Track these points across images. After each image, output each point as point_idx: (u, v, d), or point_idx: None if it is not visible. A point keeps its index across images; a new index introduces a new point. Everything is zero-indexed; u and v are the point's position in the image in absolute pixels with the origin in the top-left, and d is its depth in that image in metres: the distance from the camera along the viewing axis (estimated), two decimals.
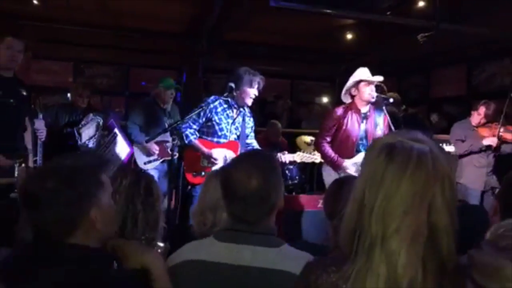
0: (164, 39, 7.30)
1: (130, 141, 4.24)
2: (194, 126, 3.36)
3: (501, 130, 4.17)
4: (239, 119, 3.49)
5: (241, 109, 3.48)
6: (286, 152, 3.47)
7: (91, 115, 4.40)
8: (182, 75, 7.30)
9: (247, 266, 1.21)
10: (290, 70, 8.54)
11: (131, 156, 4.17)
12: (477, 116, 4.38)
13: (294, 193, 5.16)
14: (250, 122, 3.59)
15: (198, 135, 3.42)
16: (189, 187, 3.46)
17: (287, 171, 5.21)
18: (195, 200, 3.19)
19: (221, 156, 3.37)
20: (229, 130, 3.42)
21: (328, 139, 3.61)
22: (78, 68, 7.70)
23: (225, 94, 3.38)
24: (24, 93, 3.23)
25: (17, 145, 3.12)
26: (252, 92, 3.36)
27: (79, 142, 4.26)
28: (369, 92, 3.49)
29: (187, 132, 3.35)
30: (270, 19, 6.13)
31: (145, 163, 4.26)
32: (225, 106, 3.40)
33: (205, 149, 3.35)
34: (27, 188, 1.15)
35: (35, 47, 7.02)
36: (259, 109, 7.44)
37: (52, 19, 6.50)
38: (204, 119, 3.36)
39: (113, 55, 7.62)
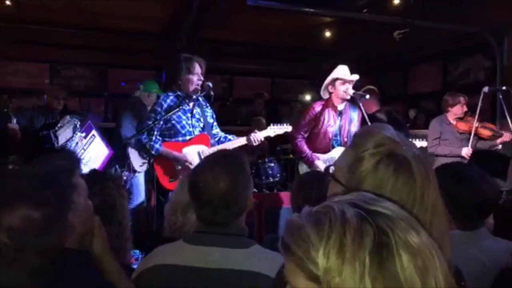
0: (142, 39, 7.24)
1: (122, 143, 4.22)
2: (155, 133, 3.10)
3: (478, 125, 4.26)
4: (197, 109, 3.24)
5: (195, 99, 3.22)
6: (257, 130, 3.22)
7: (67, 117, 4.32)
8: (162, 75, 7.25)
9: (216, 268, 1.21)
10: (270, 68, 8.57)
11: (109, 158, 4.13)
12: (460, 107, 4.43)
13: (275, 190, 5.19)
14: (208, 110, 3.35)
15: (161, 139, 3.18)
16: (170, 194, 3.26)
17: (268, 169, 5.23)
18: None
19: (195, 154, 3.17)
20: (191, 125, 3.19)
21: (305, 134, 3.70)
22: (55, 70, 7.57)
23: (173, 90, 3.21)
24: None
25: None
26: (195, 78, 3.15)
27: (56, 145, 4.20)
28: (344, 90, 3.57)
29: (150, 142, 3.09)
30: (248, 17, 6.15)
31: (140, 166, 4.24)
32: (178, 101, 3.15)
33: (176, 153, 3.13)
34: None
35: (9, 49, 6.90)
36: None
37: (26, 20, 6.38)
38: (161, 122, 3.11)
39: (90, 56, 7.52)
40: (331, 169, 0.95)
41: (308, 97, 8.69)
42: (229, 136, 3.35)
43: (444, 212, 0.91)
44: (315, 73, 8.21)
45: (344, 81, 3.57)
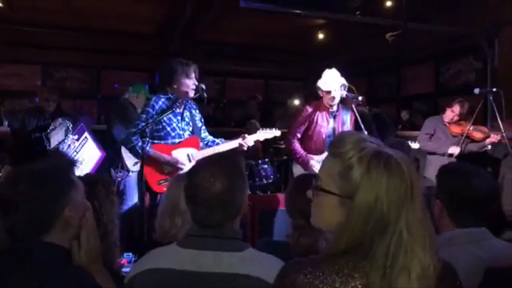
0: (136, 41, 7.23)
1: (115, 144, 4.20)
2: (145, 134, 3.01)
3: (471, 128, 4.33)
4: (187, 113, 3.27)
5: (185, 102, 3.24)
6: (246, 135, 3.26)
7: (59, 119, 4.31)
8: (155, 76, 7.22)
9: (210, 272, 1.20)
10: (264, 70, 8.59)
11: (102, 161, 4.12)
12: (451, 113, 4.52)
13: (269, 192, 5.19)
14: (197, 114, 3.37)
15: (150, 141, 3.13)
16: (158, 196, 3.15)
17: (261, 170, 5.24)
18: None
19: (184, 156, 3.18)
20: (181, 128, 3.21)
21: (299, 135, 3.71)
22: (47, 72, 7.52)
23: (167, 92, 3.21)
24: None
25: None
26: (191, 83, 3.17)
27: (48, 147, 4.17)
28: (327, 101, 3.60)
29: (140, 144, 3.00)
30: (242, 19, 6.16)
31: (133, 165, 4.24)
32: (169, 104, 3.17)
33: (166, 156, 3.13)
34: (0, 193, 1.19)
35: (1, 50, 6.84)
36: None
37: (18, 21, 6.34)
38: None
39: (83, 58, 7.48)
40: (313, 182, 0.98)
41: (301, 99, 8.71)
42: (217, 140, 3.38)
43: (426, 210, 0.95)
44: (309, 74, 8.25)
45: (327, 93, 3.56)
